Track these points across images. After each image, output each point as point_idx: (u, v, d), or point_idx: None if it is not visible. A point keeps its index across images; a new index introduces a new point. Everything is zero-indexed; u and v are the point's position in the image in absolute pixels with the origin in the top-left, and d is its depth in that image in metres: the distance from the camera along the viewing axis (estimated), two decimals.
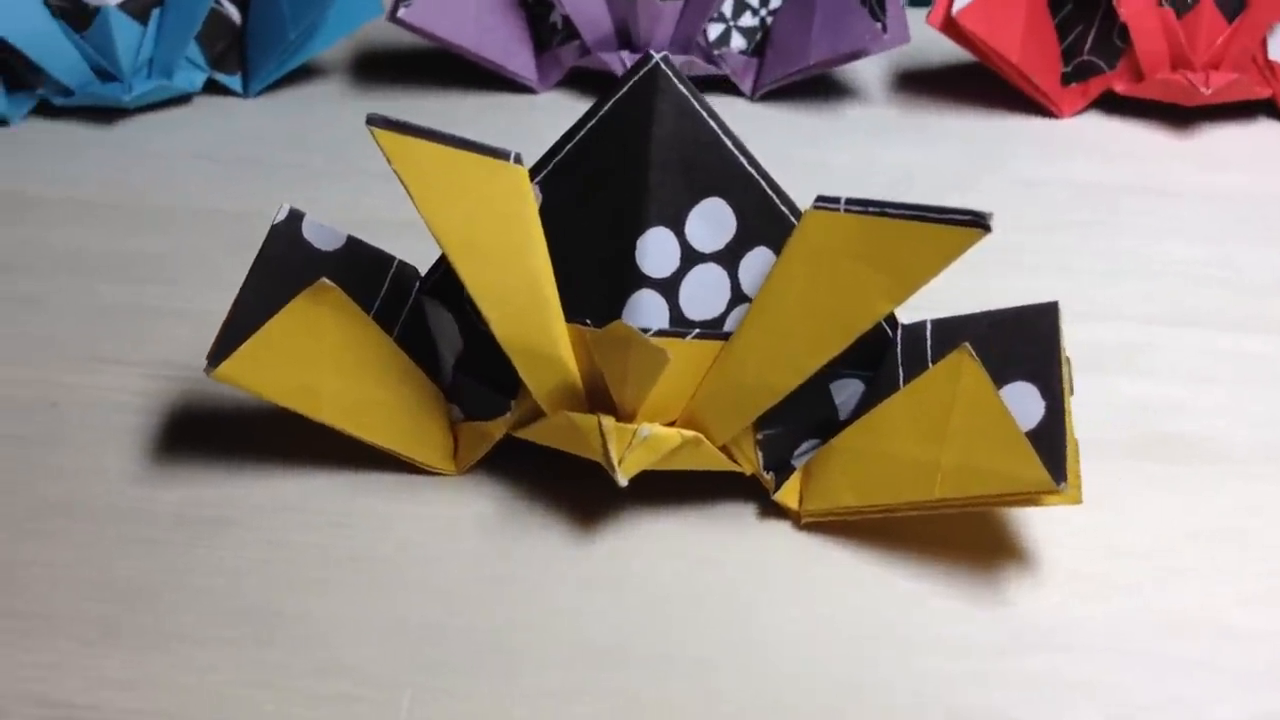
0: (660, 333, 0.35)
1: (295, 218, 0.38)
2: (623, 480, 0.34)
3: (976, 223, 0.31)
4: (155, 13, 0.58)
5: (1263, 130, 0.57)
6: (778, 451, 0.36)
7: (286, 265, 0.37)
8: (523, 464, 0.38)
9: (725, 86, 0.61)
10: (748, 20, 0.60)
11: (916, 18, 0.59)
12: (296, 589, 0.34)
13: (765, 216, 0.35)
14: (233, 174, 0.55)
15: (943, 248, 0.32)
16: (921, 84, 0.62)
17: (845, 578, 0.35)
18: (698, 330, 0.35)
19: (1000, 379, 0.34)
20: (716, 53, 0.60)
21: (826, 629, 0.33)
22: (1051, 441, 0.33)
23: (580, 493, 0.37)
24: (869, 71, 0.63)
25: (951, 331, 0.36)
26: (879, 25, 0.56)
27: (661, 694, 0.32)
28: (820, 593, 0.34)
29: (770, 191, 0.35)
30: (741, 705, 0.31)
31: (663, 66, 0.34)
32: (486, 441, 0.37)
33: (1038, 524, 0.36)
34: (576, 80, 0.62)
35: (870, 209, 0.33)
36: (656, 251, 0.35)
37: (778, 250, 0.35)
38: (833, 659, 0.33)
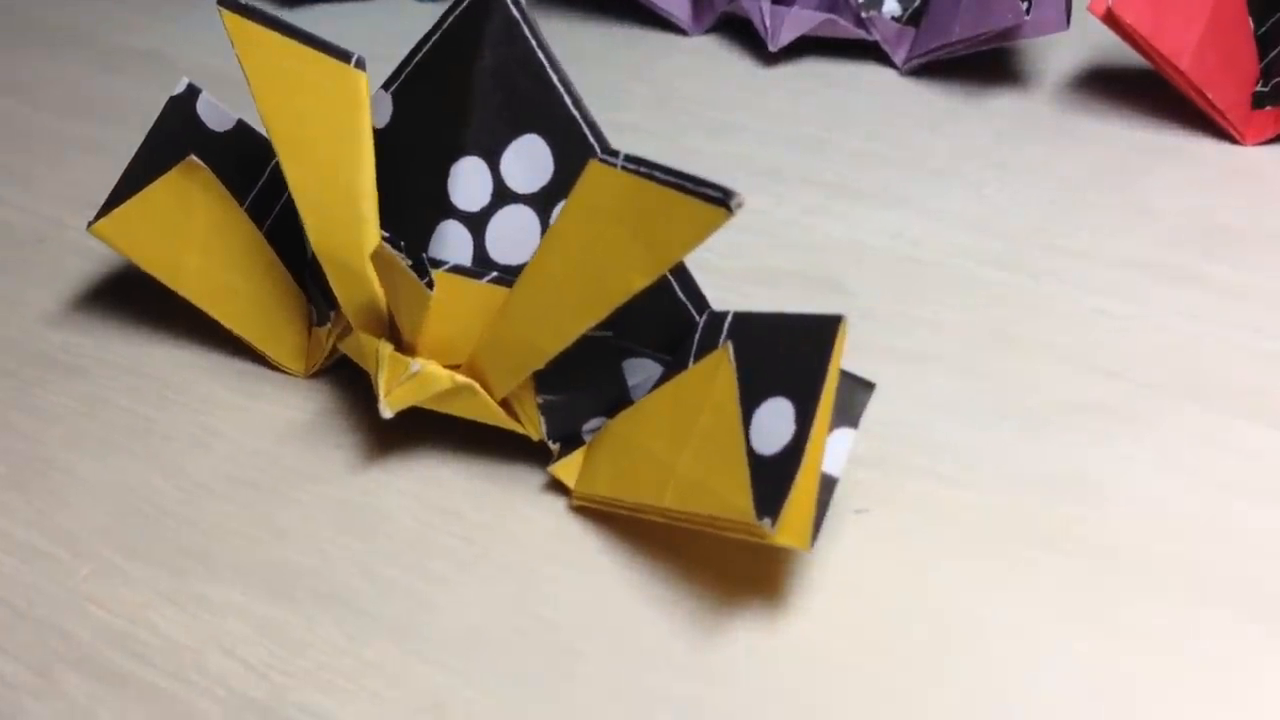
0: (455, 268, 0.32)
1: (192, 93, 0.38)
2: (387, 412, 0.32)
3: (723, 201, 0.27)
4: None
5: None
6: (563, 421, 0.33)
7: (178, 139, 0.38)
8: (353, 381, 0.37)
9: (877, 54, 0.56)
10: None
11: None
12: (79, 445, 0.35)
13: (583, 164, 0.32)
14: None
15: (692, 223, 0.28)
16: (1089, 85, 0.53)
17: (583, 582, 0.31)
18: (495, 274, 0.32)
19: (766, 391, 0.29)
20: (865, 15, 0.55)
21: (555, 622, 0.30)
22: (780, 472, 0.28)
23: (388, 426, 0.35)
24: (1043, 60, 0.55)
25: (747, 327, 0.31)
26: (1024, 5, 0.49)
27: (338, 632, 0.30)
28: (561, 580, 0.31)
29: (592, 137, 0.32)
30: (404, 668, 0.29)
31: None
32: (320, 348, 0.37)
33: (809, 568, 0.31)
34: (727, 26, 0.59)
35: (642, 169, 0.29)
36: (467, 183, 0.32)
37: None
38: (555, 649, 0.29)
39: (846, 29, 0.55)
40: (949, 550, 0.32)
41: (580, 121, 0.32)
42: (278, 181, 0.38)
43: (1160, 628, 0.30)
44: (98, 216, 0.37)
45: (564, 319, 0.31)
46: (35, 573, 0.32)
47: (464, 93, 0.32)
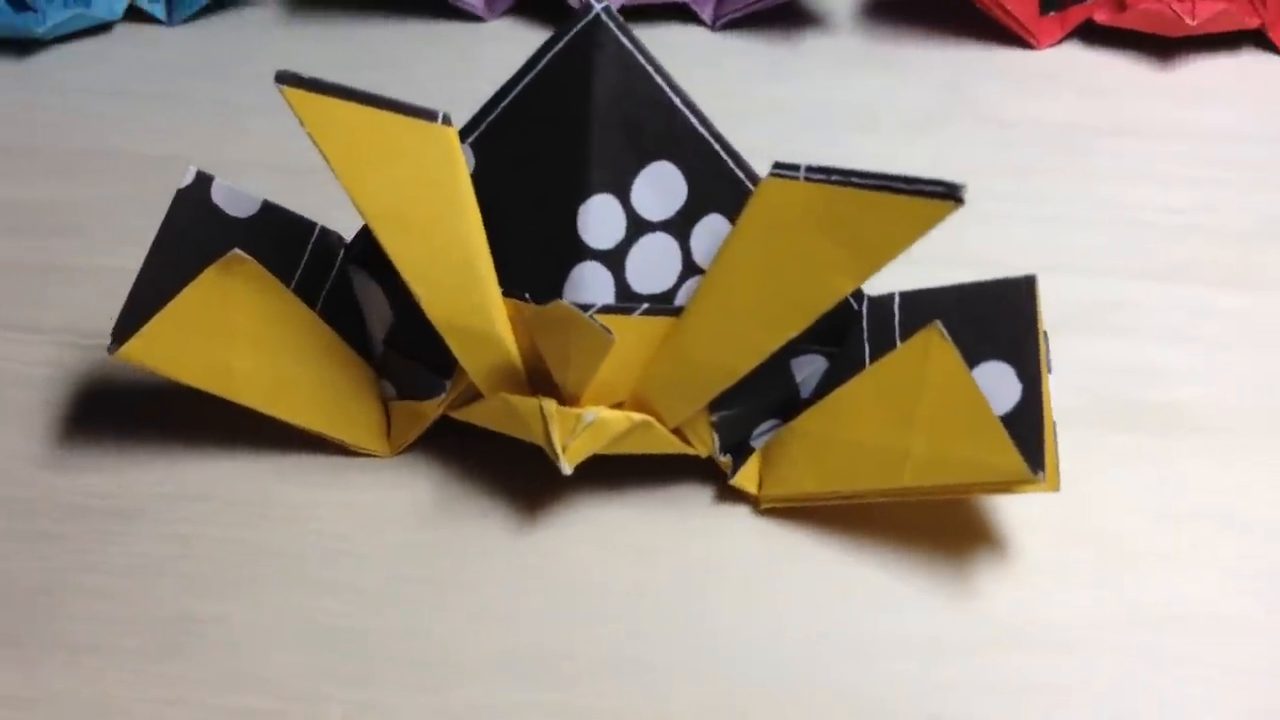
0: (605, 309, 0.32)
1: (204, 181, 0.34)
2: (567, 469, 0.31)
3: (949, 194, 0.28)
4: None
5: (1249, 62, 0.54)
6: (735, 433, 0.34)
7: (195, 234, 0.34)
8: (462, 445, 0.35)
9: (686, 14, 0.58)
10: None
11: None
12: (208, 590, 0.32)
13: (718, 180, 0.32)
14: (153, 111, 0.52)
15: (911, 221, 0.29)
16: (890, 12, 0.58)
17: (807, 571, 0.32)
18: (646, 305, 0.32)
19: (973, 359, 0.31)
20: None
21: (788, 629, 0.31)
22: (1028, 427, 0.30)
23: (521, 477, 0.34)
24: (836, 0, 0.59)
25: (921, 306, 0.33)
26: None
27: (607, 705, 0.29)
28: (781, 588, 0.32)
29: (723, 153, 0.32)
30: (695, 717, 0.29)
31: (604, 18, 0.31)
32: (421, 422, 0.35)
33: (1005, 507, 0.33)
34: (526, 7, 0.58)
35: (833, 177, 0.30)
36: (600, 221, 0.32)
37: (732, 217, 0.32)
38: (795, 662, 0.30)
39: None
40: None
41: (709, 139, 0.32)
42: (322, 256, 0.35)
43: None
44: (120, 336, 0.32)
45: (757, 334, 0.31)
46: None
47: (579, 131, 0.31)
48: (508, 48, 0.56)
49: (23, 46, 0.55)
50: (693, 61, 0.55)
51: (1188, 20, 0.51)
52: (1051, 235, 0.44)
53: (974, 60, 0.55)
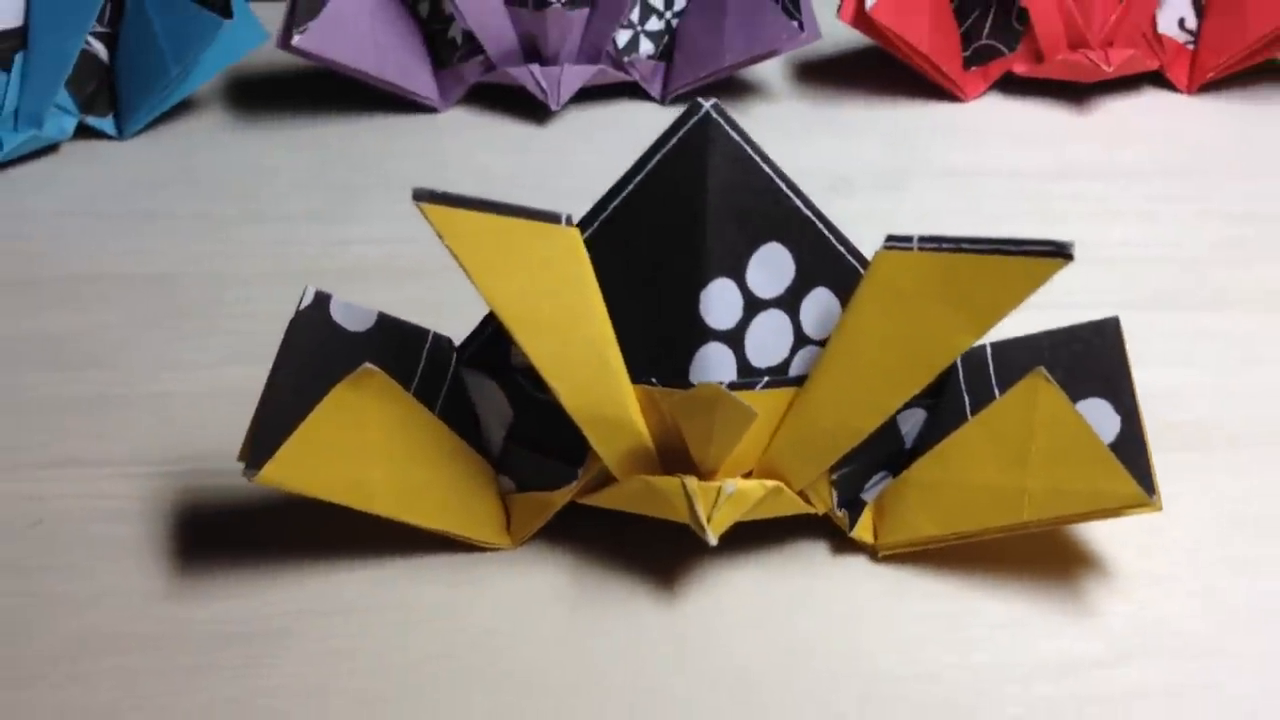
0: (732, 385, 0.34)
1: (322, 300, 0.35)
2: (713, 539, 0.33)
3: (1059, 252, 0.32)
4: (17, 58, 0.53)
5: (1153, 101, 0.60)
6: (850, 489, 0.36)
7: (317, 352, 0.34)
8: (582, 530, 0.36)
9: (635, 91, 0.60)
10: (654, 24, 0.59)
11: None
12: (385, 704, 0.32)
13: (823, 256, 0.35)
14: (131, 229, 0.51)
15: (1024, 279, 0.32)
16: (823, 76, 0.62)
17: (936, 611, 0.35)
18: (767, 379, 0.34)
19: (1071, 398, 0.34)
20: (626, 59, 0.59)
21: (935, 668, 0.33)
22: (1133, 454, 0.34)
23: (650, 553, 0.36)
24: (768, 67, 0.62)
25: (1012, 355, 0.36)
26: (795, 23, 0.56)
27: None
28: (920, 631, 0.34)
29: (826, 231, 0.35)
30: None
31: (714, 115, 0.33)
32: (546, 511, 0.36)
33: (1095, 528, 0.37)
34: (479, 95, 0.60)
35: (945, 246, 0.33)
36: (720, 303, 0.34)
37: (836, 289, 0.35)
38: (951, 701, 0.33)
39: (614, 75, 0.58)
40: None
41: (814, 220, 0.34)
42: (437, 361, 0.36)
43: None
44: (257, 461, 0.33)
45: (880, 396, 0.34)
46: None
47: (697, 223, 0.33)
48: (466, 134, 0.58)
49: None
50: (648, 136, 0.57)
51: (1104, 67, 0.57)
52: None
53: (912, 116, 0.59)
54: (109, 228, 0.51)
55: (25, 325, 0.45)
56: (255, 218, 0.52)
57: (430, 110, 0.59)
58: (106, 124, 0.56)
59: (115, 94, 0.56)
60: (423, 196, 0.32)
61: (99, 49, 0.56)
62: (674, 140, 0.34)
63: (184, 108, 0.58)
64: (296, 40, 0.54)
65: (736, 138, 0.34)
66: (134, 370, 0.43)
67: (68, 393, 0.42)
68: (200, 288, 0.48)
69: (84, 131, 0.56)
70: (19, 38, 0.53)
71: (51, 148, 0.56)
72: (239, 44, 0.56)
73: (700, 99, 0.34)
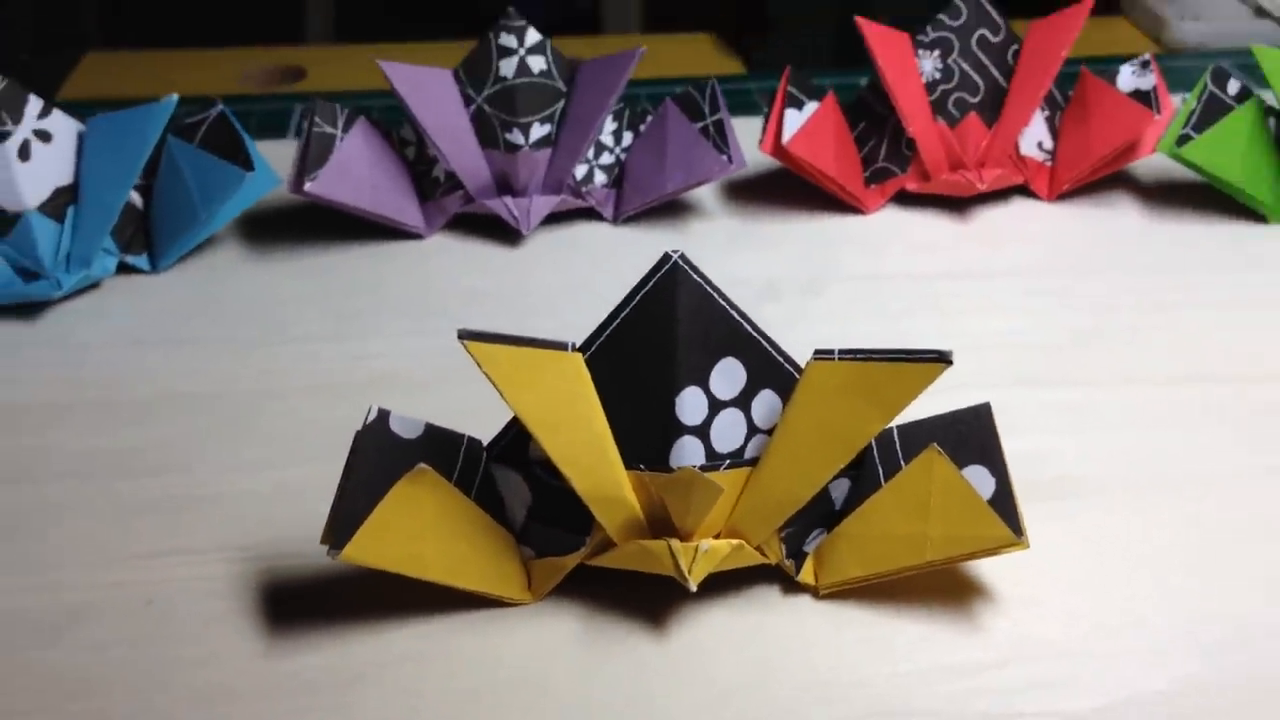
0: (703, 468, 0.44)
1: (383, 415, 0.45)
2: (693, 586, 0.43)
3: (940, 359, 0.42)
4: (70, 210, 0.62)
5: (1021, 209, 0.72)
6: (795, 542, 0.46)
7: (379, 456, 0.44)
8: (590, 585, 0.46)
9: (591, 215, 0.71)
10: (606, 159, 0.70)
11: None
12: None
13: (767, 366, 0.45)
14: (170, 354, 0.60)
15: (918, 380, 0.43)
16: (749, 196, 0.73)
17: (869, 635, 0.45)
18: (729, 461, 0.45)
19: (962, 463, 0.45)
20: (584, 189, 0.69)
21: (870, 677, 0.43)
22: (1006, 506, 0.44)
23: (644, 600, 0.45)
24: (702, 190, 0.74)
25: (913, 435, 0.47)
26: (725, 156, 0.67)
27: None
28: (856, 650, 0.44)
29: (768, 346, 0.45)
30: None
31: (680, 263, 0.44)
32: (560, 572, 0.46)
33: (981, 563, 0.47)
34: (459, 223, 0.70)
35: (859, 355, 0.43)
36: (691, 405, 0.44)
37: (779, 390, 0.45)
38: (884, 700, 0.43)
39: (574, 202, 0.69)
40: None
41: (759, 338, 0.45)
42: (470, 458, 0.46)
43: None
44: (340, 543, 0.42)
45: (815, 471, 0.44)
46: None
47: (669, 344, 0.44)
48: (449, 257, 0.68)
49: (25, 310, 0.62)
50: (601, 254, 0.68)
51: (979, 184, 0.69)
52: None
53: (824, 228, 0.70)
54: (158, 354, 0.60)
55: (104, 442, 0.54)
56: (276, 340, 0.62)
57: (417, 237, 0.69)
58: (141, 261, 0.66)
59: (149, 235, 0.66)
60: (466, 336, 0.42)
61: (135, 199, 0.65)
62: (650, 283, 0.44)
63: (206, 243, 0.68)
64: (309, 186, 0.64)
65: (697, 278, 0.44)
66: (204, 475, 0.52)
67: (152, 495, 0.51)
68: (243, 403, 0.57)
69: (122, 268, 0.65)
70: (70, 193, 0.63)
71: (94, 284, 0.65)
72: (256, 189, 0.65)
73: (670, 251, 0.44)
